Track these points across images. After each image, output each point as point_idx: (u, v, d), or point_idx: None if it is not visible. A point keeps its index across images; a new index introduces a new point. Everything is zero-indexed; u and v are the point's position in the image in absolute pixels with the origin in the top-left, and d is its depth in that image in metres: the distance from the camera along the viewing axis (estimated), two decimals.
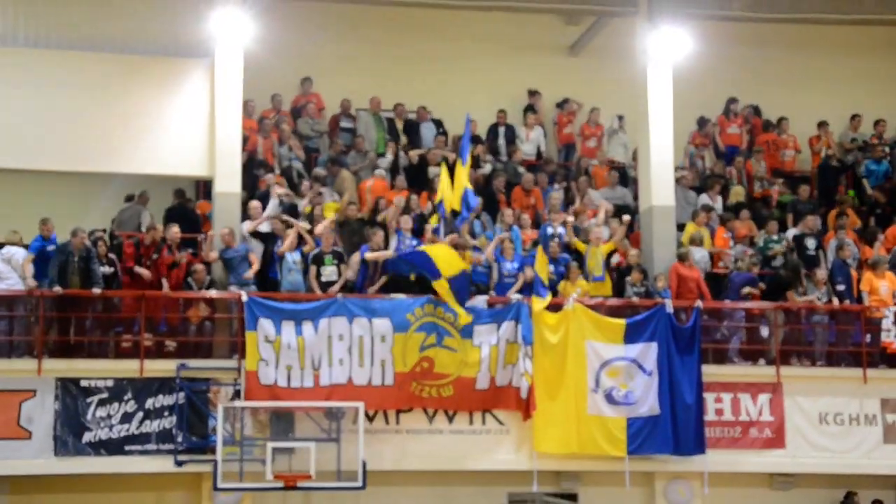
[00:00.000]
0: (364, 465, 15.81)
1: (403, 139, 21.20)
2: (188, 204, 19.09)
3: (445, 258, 17.21)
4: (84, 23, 18.41)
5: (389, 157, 20.43)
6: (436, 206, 18.13)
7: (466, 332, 16.77)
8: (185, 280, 16.86)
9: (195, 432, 15.92)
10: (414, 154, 20.25)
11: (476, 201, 17.91)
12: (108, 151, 18.27)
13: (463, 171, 17.77)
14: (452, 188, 17.88)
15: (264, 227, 17.77)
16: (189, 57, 18.43)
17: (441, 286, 16.80)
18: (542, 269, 17.54)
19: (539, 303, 17.22)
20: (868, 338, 18.31)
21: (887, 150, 22.60)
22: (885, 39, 24.01)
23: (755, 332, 18.63)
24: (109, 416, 15.64)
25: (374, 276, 17.39)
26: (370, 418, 16.41)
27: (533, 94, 22.39)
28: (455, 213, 17.88)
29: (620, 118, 22.16)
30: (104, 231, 17.66)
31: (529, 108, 22.19)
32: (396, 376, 16.54)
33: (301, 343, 16.34)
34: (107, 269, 16.51)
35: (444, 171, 18.07)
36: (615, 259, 18.86)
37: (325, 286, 16.95)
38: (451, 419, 16.97)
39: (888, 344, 18.14)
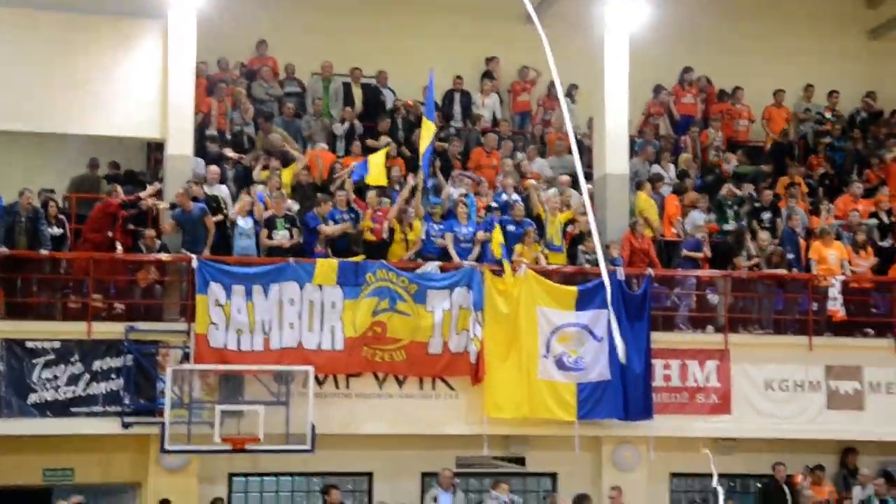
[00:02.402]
0: (313, 428, 15.85)
1: (359, 105, 21.17)
2: (96, 172, 18.88)
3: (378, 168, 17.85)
4: None
5: (346, 123, 20.41)
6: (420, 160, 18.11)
7: (419, 298, 16.77)
8: (135, 244, 16.59)
9: (143, 395, 15.84)
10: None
11: (427, 164, 18.03)
12: (59, 112, 18.06)
13: (429, 129, 17.87)
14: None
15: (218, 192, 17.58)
16: (142, 17, 18.16)
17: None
18: (496, 245, 17.62)
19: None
20: (815, 306, 18.60)
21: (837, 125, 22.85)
22: (837, 11, 24.19)
23: (704, 299, 18.84)
24: (56, 378, 15.44)
25: (325, 243, 17.28)
26: (320, 382, 16.38)
27: (490, 60, 22.51)
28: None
29: (572, 87, 22.07)
30: (52, 192, 17.39)
31: (486, 75, 22.33)
32: (346, 341, 16.51)
33: (251, 307, 16.25)
34: (55, 231, 16.29)
35: (426, 126, 17.96)
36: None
37: (274, 250, 16.93)
38: (401, 384, 16.97)
39: (834, 312, 18.36)
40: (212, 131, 19.32)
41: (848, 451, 18.96)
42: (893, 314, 19.17)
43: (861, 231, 19.58)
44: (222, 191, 17.87)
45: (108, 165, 19.24)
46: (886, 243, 19.96)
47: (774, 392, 18.40)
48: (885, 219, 20.46)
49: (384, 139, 19.82)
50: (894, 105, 24.46)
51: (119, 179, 18.56)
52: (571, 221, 18.79)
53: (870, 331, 19.01)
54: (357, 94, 21.37)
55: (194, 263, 16.10)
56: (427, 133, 17.95)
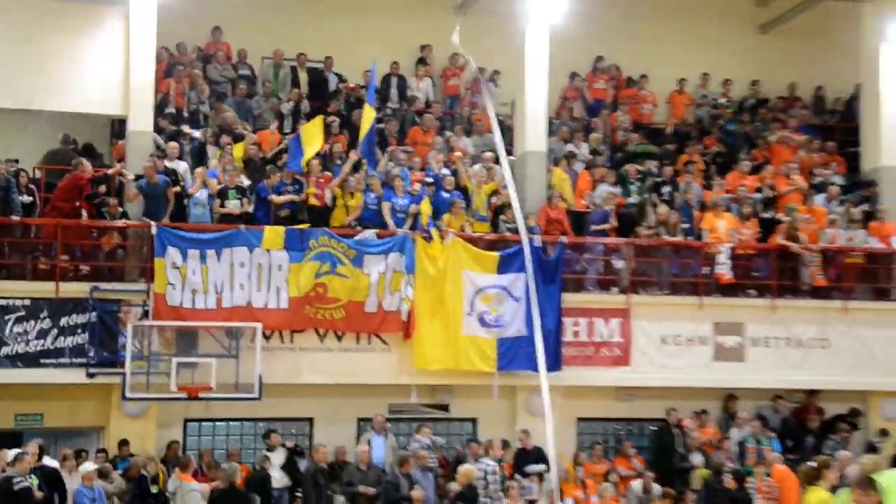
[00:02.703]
0: (260, 378, 16.27)
1: (305, 87, 21.40)
2: (69, 148, 18.96)
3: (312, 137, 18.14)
4: None
5: (292, 103, 20.61)
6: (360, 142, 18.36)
7: (357, 262, 17.18)
8: (98, 212, 16.89)
9: (106, 348, 16.16)
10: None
11: (366, 147, 18.34)
12: (30, 90, 18.23)
13: (370, 114, 18.12)
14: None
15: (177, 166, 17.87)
16: (106, 4, 18.40)
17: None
18: (424, 215, 18.07)
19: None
20: (705, 270, 19.18)
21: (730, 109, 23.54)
22: (732, 9, 24.51)
23: (610, 264, 19.34)
24: (26, 332, 15.83)
25: (274, 212, 17.58)
26: (266, 337, 16.80)
27: (424, 48, 22.69)
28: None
29: (494, 73, 22.27)
30: (16, 162, 17.62)
31: (420, 61, 22.57)
32: (291, 300, 16.92)
33: (205, 269, 16.60)
34: (26, 199, 16.65)
35: (367, 112, 18.23)
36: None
37: (226, 218, 17.20)
38: (339, 339, 17.39)
39: (721, 275, 18.92)
40: (170, 109, 19.47)
41: (729, 398, 19.64)
42: (772, 277, 19.67)
43: (747, 204, 20.17)
44: (180, 165, 18.05)
45: (61, 140, 19.13)
46: (768, 215, 20.49)
47: (668, 346, 19.01)
48: (768, 193, 20.95)
49: (331, 119, 20.07)
50: (778, 92, 24.99)
51: (78, 153, 18.52)
52: (495, 193, 19.14)
53: (752, 291, 19.73)
54: (303, 77, 21.60)
55: (153, 230, 16.36)
56: (368, 117, 18.22)
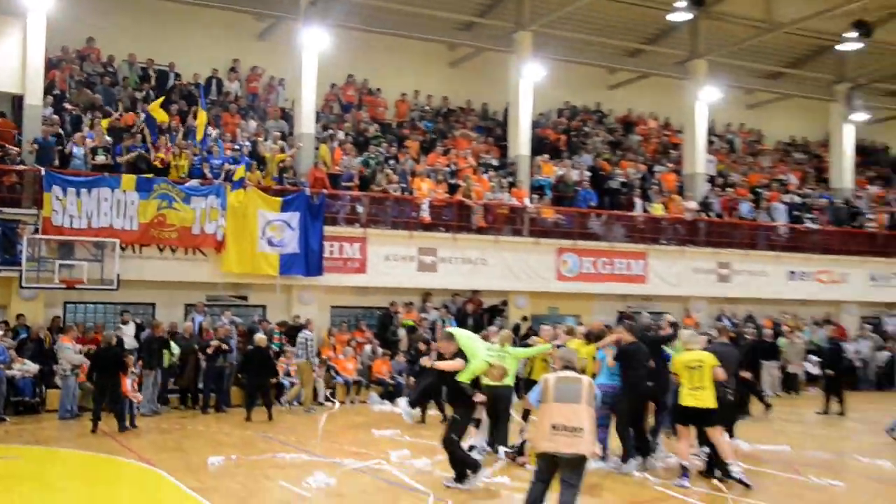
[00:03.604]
0: (118, 276, 17.80)
1: (153, 82, 22.25)
2: None
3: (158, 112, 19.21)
4: None
5: (144, 93, 21.43)
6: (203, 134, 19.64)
7: (187, 201, 18.57)
8: (2, 158, 17.88)
9: (8, 252, 17.30)
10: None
11: (205, 139, 19.59)
12: None
13: (202, 115, 19.36)
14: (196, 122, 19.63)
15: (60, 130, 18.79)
16: (11, 16, 19.22)
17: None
18: (239, 174, 19.43)
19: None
20: (414, 214, 21.32)
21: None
22: (432, 52, 26.55)
23: (354, 208, 21.05)
24: None
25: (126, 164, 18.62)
26: (123, 249, 18.11)
27: (235, 61, 23.77)
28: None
29: (281, 80, 24.02)
30: None
31: (232, 69, 23.73)
32: (140, 225, 18.27)
33: (80, 202, 17.78)
34: None
35: (200, 113, 19.42)
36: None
37: (96, 167, 18.46)
38: (174, 251, 18.93)
39: (423, 218, 21.21)
40: (56, 91, 20.32)
41: (427, 294, 22.00)
42: (454, 220, 21.69)
43: (441, 174, 22.39)
44: (63, 130, 19.27)
45: None
46: (453, 181, 22.52)
47: (390, 261, 21.03)
48: (453, 167, 23.06)
49: (174, 107, 20.98)
50: (460, 105, 27.28)
51: None
52: (283, 161, 20.73)
53: (442, 229, 21.71)
54: (152, 75, 22.46)
55: (42, 172, 17.63)
56: (202, 117, 19.39)
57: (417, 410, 15.54)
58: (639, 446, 11.43)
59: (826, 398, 18.66)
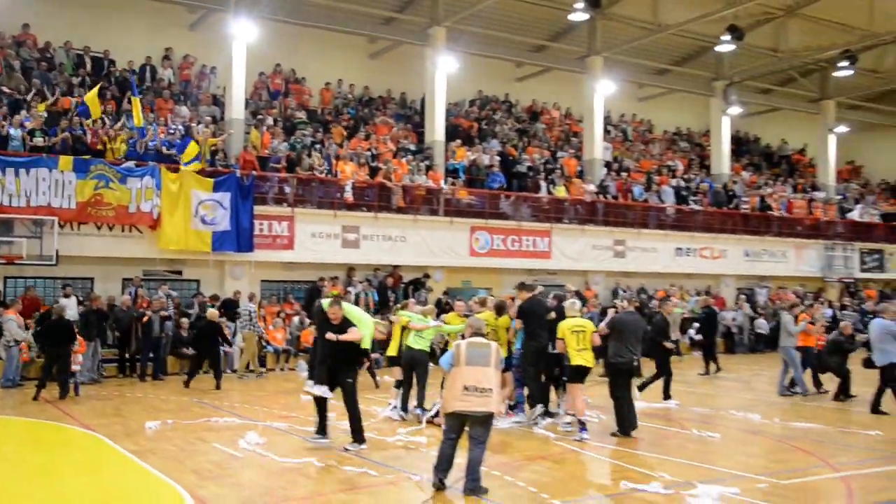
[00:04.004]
0: (57, 252, 17.53)
1: (89, 68, 21.72)
2: None
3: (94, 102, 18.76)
4: None
5: (80, 78, 21.02)
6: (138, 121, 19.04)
7: (123, 181, 18.22)
8: None
9: None
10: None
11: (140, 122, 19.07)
12: None
13: (137, 102, 18.89)
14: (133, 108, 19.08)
15: None
16: None
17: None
18: (190, 153, 19.24)
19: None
20: (338, 194, 21.25)
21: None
22: (355, 43, 26.30)
23: (283, 189, 20.89)
24: None
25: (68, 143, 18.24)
26: (61, 226, 17.79)
27: (167, 49, 23.27)
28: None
29: (213, 68, 23.65)
30: None
31: (166, 58, 23.18)
32: (78, 204, 17.84)
33: (18, 181, 17.36)
34: None
35: (134, 100, 18.88)
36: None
37: (34, 149, 17.99)
38: (111, 228, 18.54)
39: (347, 199, 21.17)
40: None
41: (350, 269, 21.51)
42: (376, 200, 21.52)
43: (363, 157, 22.34)
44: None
45: None
46: (374, 164, 22.41)
47: (316, 238, 20.80)
48: (374, 152, 23.03)
49: (108, 92, 20.63)
50: (381, 93, 27.22)
51: None
52: (214, 144, 20.34)
53: (364, 208, 21.43)
54: (87, 61, 21.90)
55: None
56: (136, 103, 18.91)
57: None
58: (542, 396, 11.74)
59: (705, 361, 19.27)
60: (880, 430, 11.35)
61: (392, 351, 12.87)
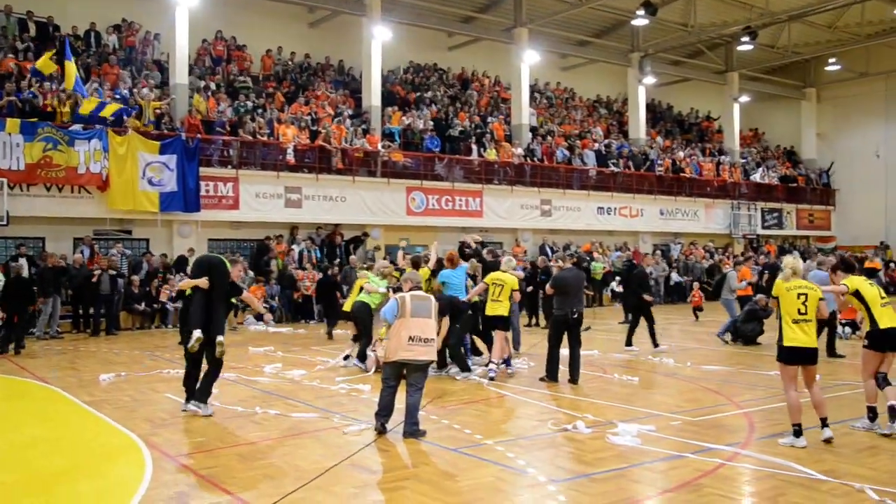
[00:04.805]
0: (7, 213, 17.24)
1: (33, 33, 20.89)
2: None
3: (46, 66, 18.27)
4: None
5: (26, 44, 20.24)
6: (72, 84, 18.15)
7: (71, 143, 17.74)
8: None
9: None
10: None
11: (77, 87, 18.28)
12: None
13: (71, 67, 18.05)
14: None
15: None
16: None
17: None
18: (133, 123, 19.06)
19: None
20: (281, 157, 20.94)
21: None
22: (292, 13, 25.57)
23: (227, 151, 20.54)
24: None
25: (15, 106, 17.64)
26: (11, 188, 17.38)
27: (113, 16, 22.59)
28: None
29: (157, 35, 22.84)
30: None
31: (116, 29, 22.41)
32: (27, 166, 17.38)
33: None
34: None
35: (67, 65, 18.01)
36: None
37: None
38: (60, 190, 18.13)
39: (289, 160, 20.93)
40: None
41: (294, 228, 21.53)
42: (316, 162, 21.21)
43: (303, 122, 21.79)
44: None
45: None
46: (314, 128, 21.87)
47: (260, 199, 20.68)
48: (315, 116, 22.45)
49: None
50: (320, 61, 26.32)
51: None
52: (158, 108, 19.98)
53: (306, 170, 21.15)
54: (31, 27, 21.06)
55: None
56: (70, 67, 18.04)
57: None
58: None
59: (625, 311, 19.59)
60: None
61: (347, 307, 12.74)
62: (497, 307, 11.27)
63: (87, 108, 18.51)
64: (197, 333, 8.37)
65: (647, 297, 14.10)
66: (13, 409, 9.75)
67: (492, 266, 12.56)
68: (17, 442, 7.71)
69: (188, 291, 8.78)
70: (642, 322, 14.11)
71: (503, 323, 11.36)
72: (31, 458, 7.06)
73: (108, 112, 18.77)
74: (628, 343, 14.16)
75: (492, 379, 10.81)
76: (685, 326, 18.64)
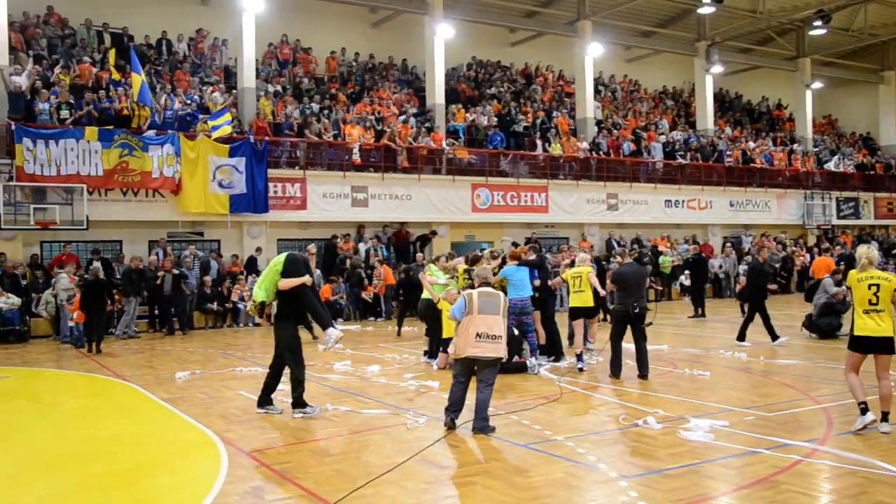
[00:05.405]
0: (87, 217, 17.71)
1: (109, 44, 21.41)
2: None
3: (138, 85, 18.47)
4: None
5: (102, 54, 20.73)
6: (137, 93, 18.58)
7: (145, 149, 18.20)
8: None
9: None
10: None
11: (142, 97, 18.65)
12: None
13: (137, 78, 18.39)
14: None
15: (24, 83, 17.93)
16: None
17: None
18: (208, 127, 19.29)
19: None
20: (347, 157, 21.00)
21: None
22: (356, 13, 25.92)
23: (294, 153, 20.82)
24: None
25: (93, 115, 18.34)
26: (90, 193, 17.89)
27: (183, 24, 23.00)
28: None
29: (224, 41, 23.18)
30: None
31: (181, 34, 22.94)
32: (104, 171, 17.88)
33: (49, 152, 17.38)
34: None
35: (135, 78, 18.41)
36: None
37: (62, 120, 18.04)
38: (136, 194, 18.64)
39: (355, 160, 20.92)
40: (21, 54, 19.40)
41: (360, 227, 21.58)
42: (382, 161, 21.34)
43: (368, 121, 21.97)
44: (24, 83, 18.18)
45: None
46: (380, 128, 22.10)
47: (327, 199, 20.88)
48: (379, 115, 22.65)
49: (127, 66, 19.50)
50: (383, 60, 26.64)
51: None
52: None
53: (372, 170, 21.24)
54: (107, 37, 21.69)
55: (13, 127, 17.26)
56: (137, 80, 18.46)
57: None
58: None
59: (694, 305, 19.23)
60: None
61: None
62: (580, 297, 11.52)
63: (222, 132, 19.26)
64: (336, 333, 8.44)
65: (770, 287, 13.86)
66: (97, 405, 10.09)
67: (537, 265, 12.09)
68: (101, 437, 7.97)
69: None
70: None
71: (590, 312, 11.69)
72: (114, 452, 7.28)
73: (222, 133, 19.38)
74: (740, 338, 13.58)
75: (581, 370, 10.98)
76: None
